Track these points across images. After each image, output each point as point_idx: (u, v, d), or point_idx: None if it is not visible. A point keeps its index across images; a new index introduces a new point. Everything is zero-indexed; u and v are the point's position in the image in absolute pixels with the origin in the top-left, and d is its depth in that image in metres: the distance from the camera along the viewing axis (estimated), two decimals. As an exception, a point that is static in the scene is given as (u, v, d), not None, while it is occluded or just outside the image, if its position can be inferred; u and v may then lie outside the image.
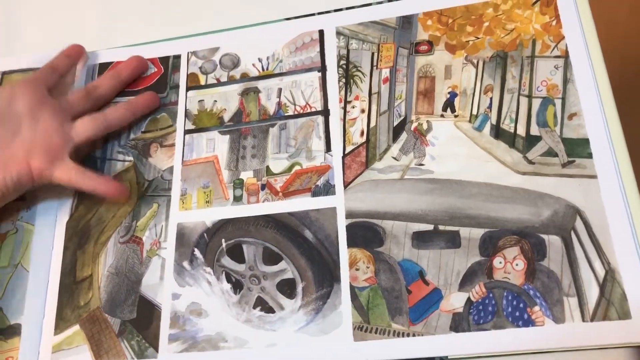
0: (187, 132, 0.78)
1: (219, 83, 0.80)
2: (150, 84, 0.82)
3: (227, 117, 0.78)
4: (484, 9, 0.75)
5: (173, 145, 0.77)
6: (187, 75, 0.81)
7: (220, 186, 0.74)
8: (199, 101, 0.79)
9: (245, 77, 0.80)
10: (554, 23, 0.73)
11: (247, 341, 0.66)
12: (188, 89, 0.81)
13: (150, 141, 0.78)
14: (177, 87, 0.81)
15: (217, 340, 0.66)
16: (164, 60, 0.83)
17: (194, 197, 0.74)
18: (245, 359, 0.65)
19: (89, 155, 0.79)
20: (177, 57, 0.83)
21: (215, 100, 0.79)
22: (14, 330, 0.70)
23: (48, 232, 0.76)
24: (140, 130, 0.79)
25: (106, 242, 0.74)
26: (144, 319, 0.69)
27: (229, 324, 0.67)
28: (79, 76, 0.84)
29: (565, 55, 0.71)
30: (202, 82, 0.81)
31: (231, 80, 0.80)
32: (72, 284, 0.72)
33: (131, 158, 0.78)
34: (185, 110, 0.79)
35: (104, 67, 0.85)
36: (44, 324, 0.71)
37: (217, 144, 0.76)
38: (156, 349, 0.67)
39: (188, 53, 0.83)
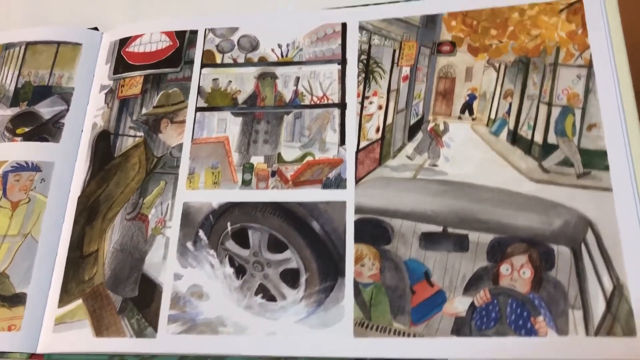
0: (198, 109, 0.77)
1: (236, 64, 0.79)
2: (165, 57, 0.81)
3: (241, 98, 0.77)
4: (510, 13, 0.75)
5: (183, 122, 0.76)
6: (203, 51, 0.81)
7: (230, 168, 0.73)
8: (213, 79, 0.79)
9: (263, 61, 0.79)
10: (579, 31, 0.72)
11: (247, 327, 0.65)
12: (203, 65, 0.80)
13: (161, 116, 0.77)
14: (191, 62, 0.80)
15: (217, 325, 0.66)
16: (180, 34, 0.82)
17: (201, 177, 0.73)
18: (243, 346, 0.64)
19: (103, 131, 0.78)
20: (194, 32, 0.82)
21: (230, 81, 0.78)
22: (19, 299, 0.70)
23: (60, 205, 0.75)
24: (152, 104, 0.78)
25: (113, 218, 0.73)
26: (145, 298, 0.68)
27: (229, 308, 0.66)
28: (102, 53, 0.84)
29: (589, 65, 0.70)
30: (218, 61, 0.80)
31: (248, 63, 0.79)
32: (78, 258, 0.72)
33: (141, 133, 0.77)
34: (199, 87, 0.78)
35: (124, 41, 0.84)
36: (50, 296, 0.71)
37: (229, 125, 0.76)
38: (155, 328, 0.66)
39: (206, 30, 0.82)
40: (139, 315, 0.67)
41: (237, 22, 0.81)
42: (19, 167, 0.76)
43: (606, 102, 0.68)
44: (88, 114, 0.81)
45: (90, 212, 0.74)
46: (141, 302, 0.68)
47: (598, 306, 0.60)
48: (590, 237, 0.63)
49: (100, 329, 0.68)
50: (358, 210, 0.68)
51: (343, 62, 0.77)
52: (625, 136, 0.66)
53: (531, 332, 0.60)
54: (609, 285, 0.60)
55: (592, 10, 0.73)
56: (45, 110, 0.81)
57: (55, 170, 0.77)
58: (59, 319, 0.69)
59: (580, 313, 0.60)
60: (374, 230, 0.67)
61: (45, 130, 0.79)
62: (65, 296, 0.70)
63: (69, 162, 0.78)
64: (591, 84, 0.69)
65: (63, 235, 0.74)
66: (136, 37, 0.83)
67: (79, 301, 0.70)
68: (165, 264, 0.69)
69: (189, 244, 0.70)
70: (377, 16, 0.78)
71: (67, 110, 0.80)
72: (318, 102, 0.75)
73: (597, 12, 0.72)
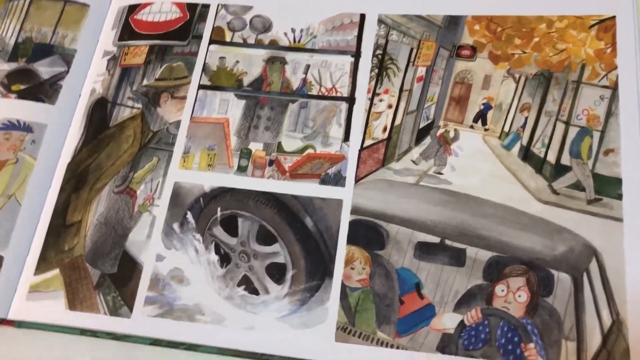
0: (201, 87, 0.74)
1: (245, 44, 0.76)
2: (173, 29, 0.78)
3: (246, 81, 0.74)
4: (537, 23, 0.71)
5: (184, 98, 0.73)
6: (213, 27, 0.77)
7: (227, 152, 0.70)
8: (220, 58, 0.75)
9: (274, 45, 0.76)
10: (608, 50, 0.68)
11: (225, 318, 0.62)
12: (211, 42, 0.76)
13: (162, 90, 0.74)
14: (199, 37, 0.77)
15: (194, 312, 0.63)
16: (192, 7, 0.79)
17: (196, 157, 0.70)
18: (219, 337, 0.62)
19: (101, 99, 0.75)
20: (206, 7, 0.79)
21: (238, 61, 0.75)
22: (-6, 261, 0.67)
23: (49, 169, 0.72)
24: (154, 76, 0.75)
25: (101, 190, 0.70)
26: (123, 275, 0.66)
27: (209, 297, 0.64)
28: (110, 17, 0.81)
29: (614, 87, 0.66)
30: (227, 39, 0.77)
31: (258, 44, 0.76)
32: (60, 226, 0.69)
33: (140, 105, 0.74)
34: (204, 63, 0.75)
35: (133, 8, 0.81)
36: (27, 262, 0.68)
37: (230, 107, 0.73)
38: (131, 308, 0.64)
39: (218, 5, 0.78)
40: (115, 292, 0.65)
41: (251, 0, 0.78)
42: (10, 126, 0.73)
43: (627, 127, 0.65)
44: (88, 78, 0.78)
45: (78, 181, 0.71)
46: (119, 279, 0.66)
47: (593, 340, 0.57)
48: (593, 267, 0.60)
49: (74, 302, 0.65)
50: (354, 210, 0.65)
51: (357, 54, 0.73)
52: (642, 165, 0.63)
53: (520, 358, 0.57)
54: (607, 320, 0.57)
55: (624, 28, 0.69)
56: (44, 69, 0.78)
57: (48, 133, 0.74)
58: (34, 287, 0.66)
59: (574, 345, 0.57)
60: (368, 233, 0.64)
61: (42, 91, 0.76)
62: (42, 264, 0.68)
63: (62, 126, 0.75)
64: (614, 107, 0.66)
65: (48, 201, 0.71)
66: (146, 4, 0.80)
67: (56, 271, 0.67)
68: (148, 243, 0.66)
69: (176, 226, 0.67)
70: (398, 10, 0.75)
71: (67, 72, 0.77)
72: (326, 93, 0.72)
73: (630, 31, 0.69)
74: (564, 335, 0.58)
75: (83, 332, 0.64)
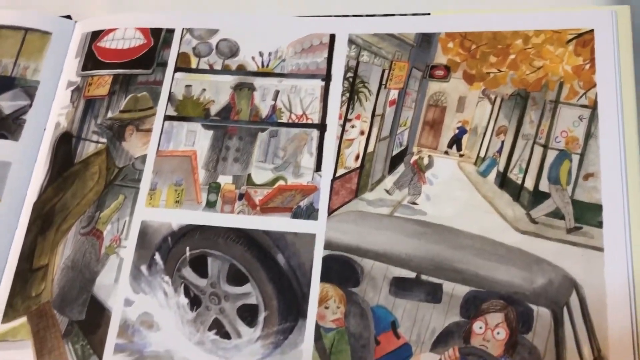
0: (167, 117, 0.71)
1: (212, 70, 0.73)
2: (137, 56, 0.75)
3: (214, 110, 0.71)
4: (513, 39, 0.68)
5: (150, 130, 0.71)
6: (178, 53, 0.74)
7: (194, 186, 0.68)
8: (186, 86, 0.73)
9: (241, 70, 0.73)
10: (587, 67, 0.66)
11: (197, 365, 0.61)
12: (176, 69, 0.74)
13: (127, 122, 0.71)
14: (164, 65, 0.74)
15: (165, 359, 0.61)
16: (156, 32, 0.76)
17: (163, 193, 0.68)
18: (191, 384, 0.60)
19: (65, 133, 0.73)
20: (170, 32, 0.75)
21: (205, 89, 0.72)
22: (-41, 311, 0.66)
23: (14, 210, 0.70)
24: (118, 108, 0.73)
25: (67, 231, 0.68)
26: (92, 322, 0.64)
27: (180, 342, 0.62)
28: (73, 45, 0.78)
29: (593, 106, 0.64)
30: (193, 65, 0.74)
31: (225, 70, 0.73)
32: (27, 271, 0.67)
33: (105, 140, 0.72)
34: (170, 93, 0.72)
35: (96, 35, 0.78)
36: (-6, 309, 0.66)
37: (198, 138, 0.70)
38: (100, 357, 0.62)
39: (183, 29, 0.75)
40: (84, 341, 0.63)
41: (217, 23, 0.75)
42: (-28, 166, 0.71)
43: (607, 149, 0.62)
44: (52, 111, 0.75)
45: (44, 222, 0.69)
46: (88, 326, 0.64)
47: (574, 378, 0.55)
48: (574, 300, 0.58)
49: (42, 352, 0.63)
50: (328, 245, 0.63)
51: (327, 78, 0.70)
52: (624, 190, 0.60)
53: (499, 399, 0.55)
54: (588, 357, 0.56)
55: (603, 42, 0.66)
56: (6, 104, 0.75)
57: (12, 172, 0.72)
58: (1, 337, 0.65)
59: (555, 384, 0.55)
60: (342, 269, 0.62)
61: (5, 127, 0.74)
62: (10, 311, 0.66)
63: (27, 164, 0.73)
64: (593, 128, 0.63)
65: (14, 244, 0.69)
66: (109, 31, 0.77)
67: (24, 319, 0.65)
68: (116, 287, 0.64)
69: (144, 268, 0.65)
70: (369, 29, 0.72)
71: (30, 105, 0.75)
72: (296, 120, 0.70)
73: (609, 45, 0.66)
74: (545, 373, 0.56)
75: (54, 380, 0.62)
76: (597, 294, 0.57)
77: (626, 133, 0.62)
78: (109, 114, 0.73)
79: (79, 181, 0.70)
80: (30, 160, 0.73)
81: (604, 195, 0.60)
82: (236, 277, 0.64)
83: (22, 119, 0.74)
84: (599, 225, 0.59)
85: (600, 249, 0.58)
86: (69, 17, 0.81)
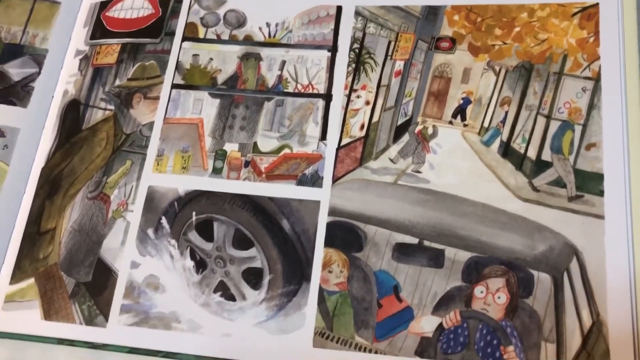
0: (174, 86, 0.72)
1: (219, 40, 0.74)
2: (145, 26, 0.76)
3: (221, 79, 0.72)
4: (518, 12, 0.69)
5: (157, 98, 0.71)
6: (186, 23, 0.75)
7: (201, 153, 0.69)
8: (193, 55, 0.73)
9: (248, 40, 0.73)
10: (591, 40, 0.66)
11: (201, 326, 0.62)
12: (184, 39, 0.74)
13: (135, 90, 0.72)
14: (172, 34, 0.74)
15: (170, 320, 0.62)
16: (164, 2, 0.76)
17: (170, 160, 0.69)
18: (196, 345, 0.61)
19: (73, 100, 0.74)
20: (179, 2, 0.76)
21: (212, 58, 0.73)
22: (-33, 271, 0.67)
23: (22, 175, 0.71)
24: (126, 76, 0.73)
25: (75, 195, 0.69)
26: (98, 284, 0.65)
27: (185, 304, 0.63)
28: (82, 14, 0.78)
29: (597, 78, 0.64)
30: (201, 35, 0.74)
31: (233, 40, 0.74)
32: (35, 234, 0.68)
33: (112, 107, 0.72)
34: (177, 61, 0.73)
35: (104, 4, 0.79)
36: (2, 271, 0.67)
37: (205, 107, 0.71)
38: (106, 317, 0.63)
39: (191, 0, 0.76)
40: (90, 301, 0.64)
41: (225, -6, 0.76)
42: (-20, 131, 0.72)
43: (610, 120, 0.63)
44: (60, 79, 0.76)
45: (52, 187, 0.70)
46: (94, 287, 0.65)
47: (573, 342, 0.56)
48: (574, 266, 0.58)
49: (49, 312, 0.64)
50: (332, 212, 0.64)
51: (334, 49, 0.71)
52: (626, 160, 0.61)
53: (499, 361, 0.56)
54: (587, 321, 0.56)
55: (608, 15, 0.67)
56: (15, 71, 0.76)
57: (20, 137, 0.72)
58: (9, 297, 0.66)
59: (554, 347, 0.56)
60: (346, 235, 0.63)
61: (13, 93, 0.74)
62: (18, 273, 0.67)
63: (35, 130, 0.73)
64: (596, 99, 0.64)
65: (22, 208, 0.70)
66: (118, 1, 0.78)
67: (31, 280, 0.66)
68: (123, 250, 0.65)
69: (150, 231, 0.66)
70: (376, 1, 0.72)
71: (39, 73, 0.76)
72: (302, 90, 0.70)
73: (613, 19, 0.66)
74: (544, 337, 0.57)
75: (60, 341, 0.63)
76: (597, 261, 0.58)
77: (629, 104, 0.63)
78: (117, 82, 0.74)
79: (86, 147, 0.71)
80: (38, 126, 0.74)
81: (605, 164, 0.61)
82: (241, 242, 0.64)
83: (31, 86, 0.75)
84: (600, 193, 0.60)
85: (601, 217, 0.59)
86: (77, -13, 0.81)
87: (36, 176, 0.71)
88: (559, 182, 0.62)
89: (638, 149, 0.61)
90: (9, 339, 0.64)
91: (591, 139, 0.63)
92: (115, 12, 0.78)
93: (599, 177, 0.61)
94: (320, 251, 0.63)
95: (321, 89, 0.70)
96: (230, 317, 0.62)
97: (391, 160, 0.66)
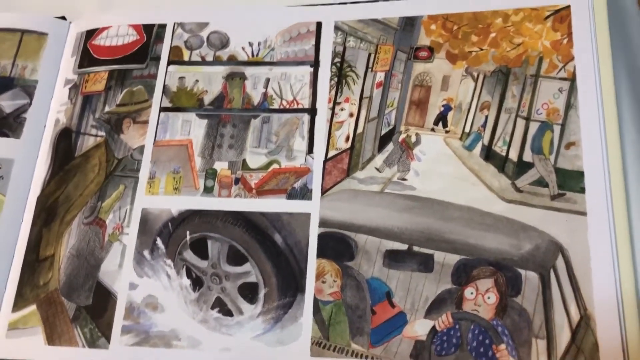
0: (162, 109, 0.74)
1: (204, 62, 0.76)
2: (130, 52, 0.78)
3: (207, 99, 0.74)
4: (493, 18, 0.71)
5: (146, 122, 0.73)
6: (171, 47, 0.77)
7: (192, 173, 0.70)
8: (179, 78, 0.75)
9: (232, 60, 0.75)
10: (565, 41, 0.68)
11: (201, 342, 0.63)
12: (170, 62, 0.76)
13: (124, 115, 0.74)
14: (158, 59, 0.76)
15: (171, 338, 0.64)
16: (148, 28, 0.78)
17: (162, 181, 0.70)
18: (196, 361, 0.62)
19: (65, 129, 0.75)
20: (162, 27, 0.78)
21: (197, 80, 0.75)
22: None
23: (19, 204, 0.73)
24: (115, 102, 0.75)
25: (71, 222, 0.71)
26: (99, 307, 0.66)
27: (184, 321, 0.64)
28: (69, 44, 0.80)
29: (572, 78, 0.66)
30: (186, 58, 0.76)
31: (217, 61, 0.76)
32: (34, 261, 0.70)
33: (103, 133, 0.74)
34: (164, 85, 0.75)
35: (90, 33, 0.81)
36: (4, 300, 0.68)
37: (193, 128, 0.73)
38: (108, 339, 0.64)
39: (175, 24, 0.78)
40: (92, 324, 0.65)
41: (207, 16, 0.78)
42: (-24, 164, 0.74)
43: (587, 118, 0.64)
44: (51, 109, 0.78)
45: (48, 214, 0.71)
46: (95, 310, 0.66)
47: (563, 337, 0.57)
48: (560, 263, 0.60)
49: (52, 337, 0.66)
50: (322, 223, 0.66)
51: (316, 64, 0.73)
52: (604, 156, 0.63)
53: (492, 360, 0.58)
54: (575, 315, 0.58)
55: (579, 16, 0.68)
56: (7, 103, 0.77)
57: (15, 168, 0.74)
58: (12, 325, 0.67)
59: (544, 343, 0.58)
60: (337, 245, 0.65)
61: (6, 125, 0.76)
62: (19, 300, 0.68)
63: (29, 160, 0.75)
64: (573, 99, 0.65)
65: (20, 237, 0.71)
66: (103, 29, 0.80)
67: (33, 307, 0.68)
68: (120, 272, 0.67)
69: (146, 253, 0.67)
70: (354, 16, 0.74)
71: (30, 104, 0.77)
72: (287, 106, 0.72)
73: (585, 19, 0.68)
74: (534, 334, 0.58)
75: (64, 365, 0.65)
76: (581, 256, 0.59)
77: (605, 102, 0.64)
78: (107, 109, 0.75)
79: (80, 174, 0.72)
80: (32, 156, 0.75)
81: (585, 162, 0.63)
82: (236, 257, 0.66)
83: (23, 117, 0.77)
84: (582, 190, 0.62)
85: (584, 214, 0.61)
86: (63, 17, 0.83)
87: (32, 205, 0.72)
88: (541, 182, 0.64)
89: (616, 146, 0.63)
90: (14, 366, 0.66)
91: (570, 138, 0.64)
92: (101, 40, 0.79)
93: (579, 175, 0.63)
94: (313, 262, 0.64)
95: (306, 103, 0.72)
96: (229, 332, 0.63)
97: (377, 169, 0.68)
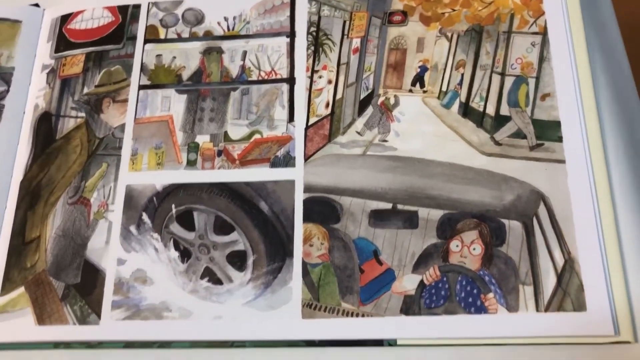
0: (141, 87, 0.74)
1: (180, 39, 0.76)
2: (106, 34, 0.77)
3: (185, 75, 0.74)
4: (464, -21, 0.71)
5: (126, 100, 0.73)
6: (146, 27, 0.77)
7: (174, 148, 0.70)
8: (156, 56, 0.75)
9: (208, 36, 0.75)
10: (535, -2, 0.69)
11: (192, 312, 0.63)
12: (146, 41, 0.76)
13: (103, 96, 0.74)
14: (134, 38, 0.76)
15: (161, 310, 0.64)
16: (123, 9, 0.79)
17: (145, 157, 0.70)
18: (189, 331, 0.62)
19: (45, 113, 0.75)
20: (137, 7, 0.78)
21: (175, 57, 0.75)
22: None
23: (2, 189, 0.72)
24: (93, 83, 0.75)
25: (55, 203, 0.70)
26: (87, 284, 0.66)
27: (174, 293, 0.64)
28: (44, 30, 0.80)
29: (544, 32, 0.67)
30: (162, 36, 0.76)
31: (193, 37, 0.76)
32: (20, 244, 0.69)
33: (83, 114, 0.74)
34: (142, 64, 0.75)
35: (65, 18, 0.80)
36: (-9, 284, 0.68)
37: (173, 103, 0.73)
38: (99, 315, 0.64)
39: (149, 3, 0.78)
40: (82, 301, 0.65)
41: (181, -6, 0.78)
42: (-44, 152, 0.73)
43: (560, 70, 0.66)
44: (30, 94, 0.77)
45: (32, 197, 0.71)
46: (84, 288, 0.66)
47: (549, 281, 0.58)
48: (542, 210, 0.61)
49: (42, 317, 0.65)
50: (307, 189, 0.66)
51: (292, 34, 0.73)
52: (579, 105, 0.64)
53: (481, 309, 0.59)
54: (560, 260, 0.59)
55: (548, -27, 0.70)
56: (-16, 91, 0.77)
57: (-3, 154, 0.74)
58: (1, 308, 0.67)
59: (531, 289, 0.59)
60: (323, 209, 0.65)
61: (-15, 113, 0.76)
62: (7, 284, 0.68)
63: (10, 145, 0.75)
64: (545, 52, 0.67)
65: (5, 222, 0.71)
66: (77, 13, 0.80)
67: (21, 289, 0.67)
68: (108, 249, 0.67)
69: (132, 228, 0.67)
70: (327, -15, 0.75)
71: (8, 91, 0.77)
72: (266, 77, 0.72)
73: (554, -25, 0.69)
74: (521, 280, 0.59)
75: (57, 345, 0.64)
76: (562, 203, 0.61)
77: (576, 53, 0.66)
78: (85, 90, 0.75)
79: (62, 155, 0.72)
80: (12, 141, 0.75)
81: (561, 112, 0.64)
82: (223, 227, 0.66)
83: (1, 104, 0.76)
84: (559, 139, 0.63)
85: (562, 162, 0.62)
86: (37, 5, 0.83)
87: (16, 189, 0.72)
88: (519, 134, 0.65)
89: (590, 94, 0.64)
90: (6, 350, 0.65)
91: (545, 90, 0.66)
92: (77, 24, 0.79)
93: (556, 125, 0.64)
94: (299, 227, 0.65)
95: (284, 73, 0.72)
96: (219, 300, 0.63)
97: (358, 133, 0.69)
